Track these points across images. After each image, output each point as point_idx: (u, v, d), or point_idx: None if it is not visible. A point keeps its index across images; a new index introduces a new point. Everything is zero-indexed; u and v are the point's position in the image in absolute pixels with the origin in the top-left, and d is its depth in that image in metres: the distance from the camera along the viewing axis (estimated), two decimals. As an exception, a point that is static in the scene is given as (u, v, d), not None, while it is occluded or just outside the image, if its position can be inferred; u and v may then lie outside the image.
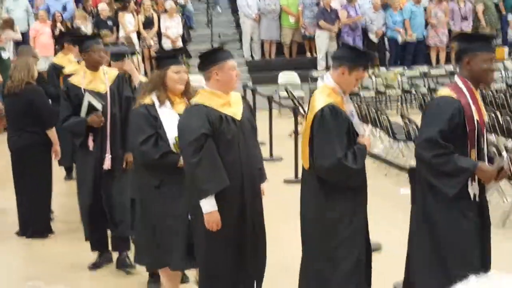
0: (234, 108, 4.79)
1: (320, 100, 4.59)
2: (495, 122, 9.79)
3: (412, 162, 6.84)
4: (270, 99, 11.59)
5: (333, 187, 4.57)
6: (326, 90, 4.63)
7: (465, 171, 4.34)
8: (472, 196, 4.42)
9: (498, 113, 10.06)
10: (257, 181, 4.89)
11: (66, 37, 9.41)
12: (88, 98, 6.42)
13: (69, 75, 8.69)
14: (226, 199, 4.63)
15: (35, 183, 7.47)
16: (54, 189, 7.82)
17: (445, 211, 4.41)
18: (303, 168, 4.75)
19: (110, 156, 6.42)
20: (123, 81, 6.60)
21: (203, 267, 4.84)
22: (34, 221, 7.52)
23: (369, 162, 9.40)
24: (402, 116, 10.49)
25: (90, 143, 6.44)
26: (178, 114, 4.99)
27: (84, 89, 6.46)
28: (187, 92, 5.21)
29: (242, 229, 4.77)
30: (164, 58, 5.27)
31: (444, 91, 4.56)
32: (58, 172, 8.57)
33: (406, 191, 5.47)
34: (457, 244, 4.41)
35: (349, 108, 4.68)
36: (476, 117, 4.44)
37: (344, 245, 4.57)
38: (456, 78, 4.55)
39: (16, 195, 7.63)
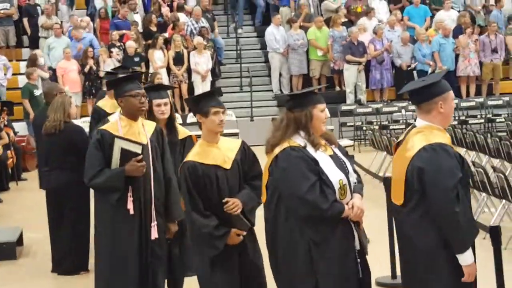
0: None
1: None
2: None
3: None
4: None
5: None
6: None
7: None
8: None
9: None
10: None
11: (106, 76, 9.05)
12: (120, 144, 5.16)
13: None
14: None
15: (76, 218, 7.45)
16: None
17: None
18: None
19: (155, 223, 5.18)
20: (162, 135, 5.39)
21: None
22: (74, 256, 7.46)
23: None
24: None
25: (130, 205, 5.13)
26: (330, 156, 4.35)
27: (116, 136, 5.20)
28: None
29: None
30: (306, 96, 4.40)
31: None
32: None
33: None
34: None
35: None
36: None
37: None
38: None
39: (51, 231, 7.61)
